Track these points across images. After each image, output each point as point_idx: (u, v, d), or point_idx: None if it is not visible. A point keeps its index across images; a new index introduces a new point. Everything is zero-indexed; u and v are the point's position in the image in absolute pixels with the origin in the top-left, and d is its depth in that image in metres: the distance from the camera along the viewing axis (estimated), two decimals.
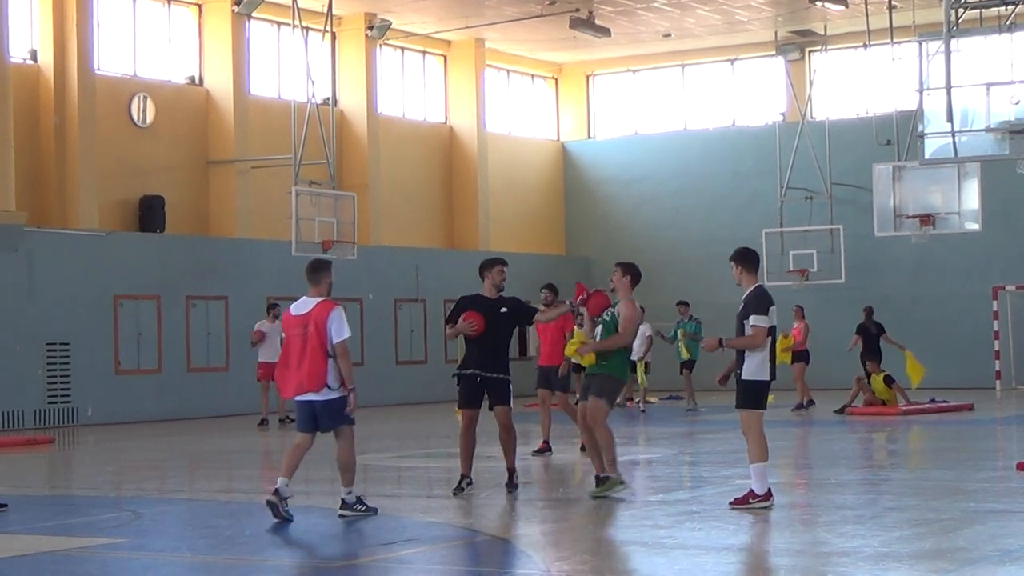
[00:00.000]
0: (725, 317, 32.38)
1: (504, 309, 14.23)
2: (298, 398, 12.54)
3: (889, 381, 26.47)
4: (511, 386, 14.12)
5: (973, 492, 14.05)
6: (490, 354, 14.10)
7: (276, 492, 12.34)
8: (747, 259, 12.98)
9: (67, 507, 14.88)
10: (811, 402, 28.02)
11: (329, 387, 12.36)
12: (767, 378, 12.68)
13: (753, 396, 12.74)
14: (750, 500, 12.60)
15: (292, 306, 12.68)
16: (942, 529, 11.46)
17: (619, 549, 11.06)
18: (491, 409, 14.14)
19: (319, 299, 12.54)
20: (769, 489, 12.64)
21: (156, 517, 13.68)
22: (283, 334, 12.92)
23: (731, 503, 12.71)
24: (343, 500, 12.72)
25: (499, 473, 17.35)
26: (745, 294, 12.81)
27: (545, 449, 19.13)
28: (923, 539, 11.00)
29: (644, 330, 30.65)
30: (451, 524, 12.31)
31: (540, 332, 19.59)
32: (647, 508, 13.16)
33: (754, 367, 12.65)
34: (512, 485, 14.38)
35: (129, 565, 10.60)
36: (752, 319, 12.58)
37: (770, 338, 12.63)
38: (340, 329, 12.35)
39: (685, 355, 29.78)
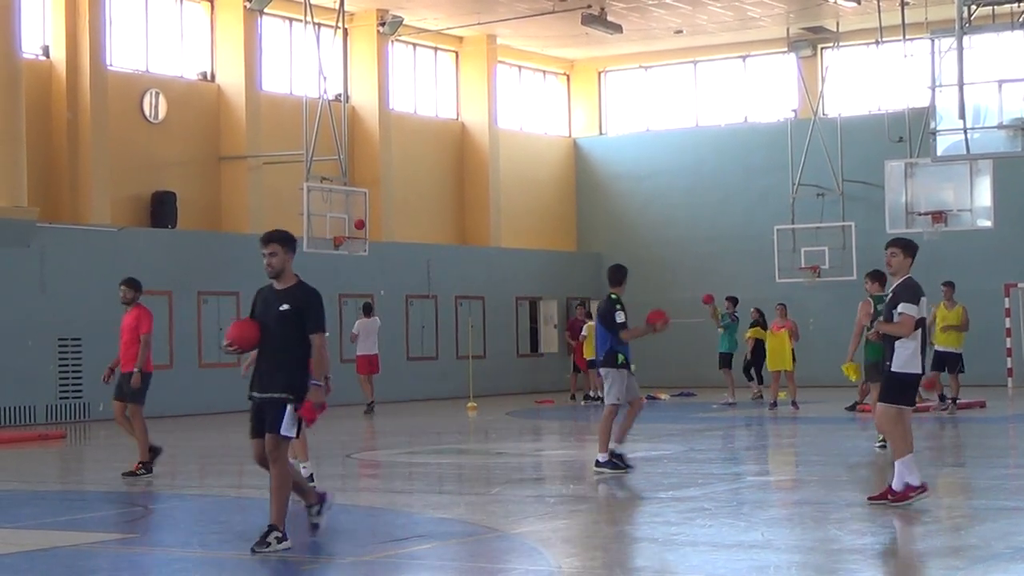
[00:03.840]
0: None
1: (284, 307, 10.80)
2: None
3: (958, 373, 26.38)
4: (292, 408, 10.67)
5: (985, 489, 14.04)
6: (268, 366, 10.88)
7: (311, 477, 14.20)
8: (909, 247, 12.72)
9: (78, 502, 14.92)
10: (774, 404, 28.00)
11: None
12: (918, 371, 12.45)
13: (899, 390, 12.46)
14: (910, 495, 12.28)
15: None
16: (953, 527, 11.44)
17: (630, 545, 11.06)
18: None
19: None
20: (924, 482, 12.36)
21: (167, 512, 13.72)
22: None
23: (891, 500, 12.32)
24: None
25: (510, 469, 17.37)
26: (895, 284, 12.60)
27: (140, 471, 16.38)
28: (934, 536, 10.98)
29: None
30: (462, 520, 12.32)
31: (122, 332, 16.57)
32: (658, 504, 13.17)
33: (905, 359, 12.39)
34: (263, 543, 10.52)
35: (140, 560, 10.62)
36: (901, 307, 12.35)
37: (919, 331, 12.39)
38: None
39: (724, 348, 30.17)
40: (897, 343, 12.41)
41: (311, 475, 14.84)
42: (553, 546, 10.84)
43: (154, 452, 16.64)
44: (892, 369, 12.45)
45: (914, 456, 12.47)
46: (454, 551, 11.01)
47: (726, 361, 30.31)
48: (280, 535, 10.57)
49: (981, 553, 10.21)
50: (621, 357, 15.82)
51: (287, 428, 10.61)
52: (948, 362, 25.34)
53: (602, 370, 15.97)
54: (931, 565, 9.79)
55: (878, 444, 18.11)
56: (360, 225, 30.46)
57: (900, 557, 10.06)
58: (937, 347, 25.00)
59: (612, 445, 15.84)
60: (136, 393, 16.45)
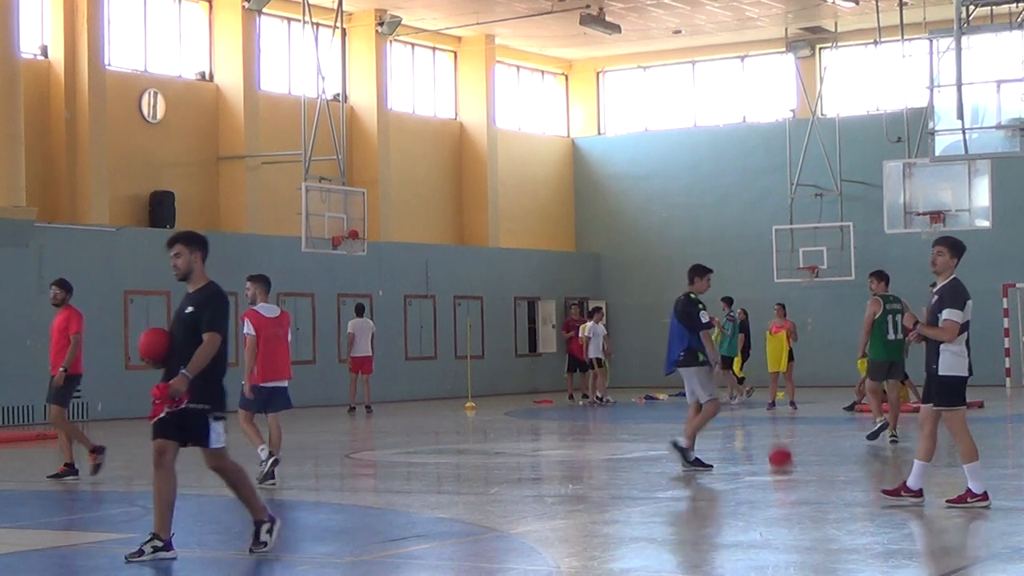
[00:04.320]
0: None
1: (189, 309, 10.45)
2: (271, 384, 15.29)
3: (903, 378, 26.38)
4: (214, 418, 10.37)
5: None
6: (175, 374, 10.30)
7: (271, 455, 15.04)
8: (956, 247, 12.48)
9: (77, 502, 14.91)
10: (772, 404, 28.02)
11: None
12: (964, 373, 12.24)
13: (951, 393, 12.26)
14: (968, 499, 12.15)
15: (260, 309, 15.40)
16: (952, 526, 11.44)
17: (628, 546, 11.05)
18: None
19: (277, 307, 15.79)
20: (986, 491, 12.21)
21: None
22: (251, 331, 15.29)
23: (947, 501, 12.29)
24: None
25: (508, 469, 17.37)
26: (940, 286, 12.40)
27: (67, 472, 16.37)
28: (933, 536, 10.98)
29: (599, 330, 30.98)
30: (460, 520, 12.31)
31: (52, 333, 16.67)
32: (656, 504, 13.16)
33: (949, 362, 12.19)
34: (258, 543, 10.49)
35: (138, 560, 10.61)
36: (946, 313, 12.16)
37: (966, 333, 12.22)
38: (289, 333, 15.55)
39: (723, 350, 30.52)
40: (941, 346, 12.24)
41: (274, 458, 15.16)
42: (551, 546, 10.83)
43: (69, 468, 16.39)
44: (939, 373, 12.28)
45: (979, 464, 12.31)
46: (452, 551, 11.01)
47: (726, 363, 30.37)
48: (269, 525, 10.51)
49: (979, 553, 10.21)
50: (701, 355, 15.90)
51: (216, 440, 10.31)
52: None
53: (683, 370, 15.98)
54: (929, 565, 9.79)
55: (891, 437, 19.26)
56: (354, 235, 30.33)
57: (898, 557, 10.06)
58: None
59: (680, 439, 15.98)
60: (58, 394, 16.23)
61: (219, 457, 10.41)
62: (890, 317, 19.05)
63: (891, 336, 19.12)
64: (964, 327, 12.27)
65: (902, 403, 26.33)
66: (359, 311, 30.02)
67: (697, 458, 15.87)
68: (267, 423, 15.33)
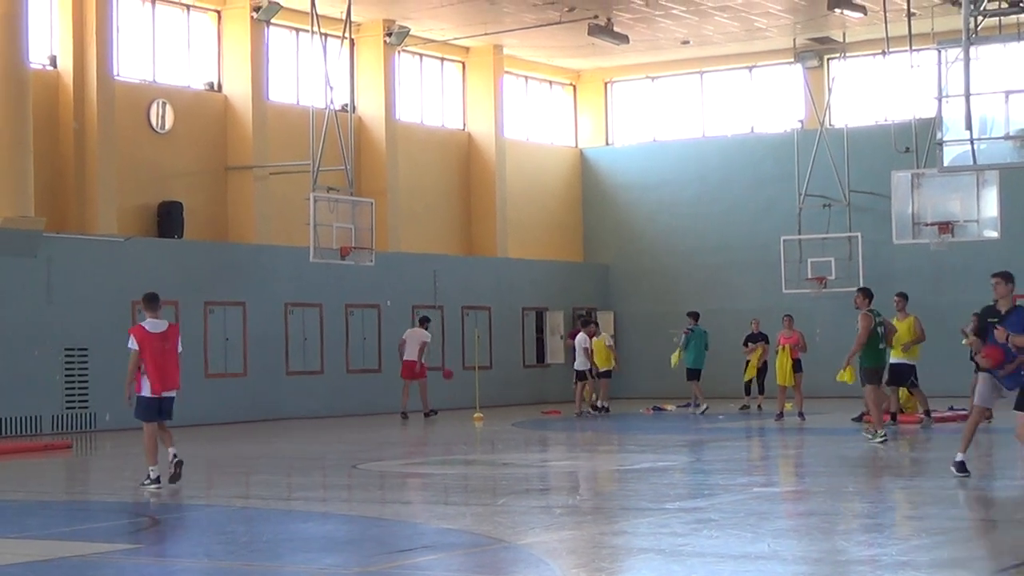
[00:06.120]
0: (740, 323, 32.59)
1: None
2: (166, 394, 16.30)
3: (912, 387, 26.32)
4: None
5: (992, 501, 14.00)
6: None
7: (158, 480, 15.87)
8: None
9: (85, 512, 14.91)
10: (780, 415, 27.97)
11: None
12: None
13: None
14: None
15: (146, 324, 16.33)
16: (961, 538, 11.41)
17: (636, 557, 11.03)
18: None
19: (166, 321, 16.67)
20: None
21: (173, 523, 13.70)
22: (134, 346, 16.21)
23: None
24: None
25: (516, 480, 17.34)
26: None
27: None
28: (942, 548, 10.95)
29: (582, 341, 31.05)
30: (468, 531, 12.30)
31: None
32: (664, 516, 13.14)
33: None
34: None
35: (146, 571, 10.61)
36: None
37: None
38: (179, 345, 16.63)
39: (678, 362, 31.33)
40: None
41: (178, 459, 16.24)
42: (559, 557, 10.82)
43: None
44: None
45: None
46: (460, 562, 10.99)
47: (693, 374, 31.00)
48: None
49: (989, 565, 10.17)
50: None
51: None
52: (901, 374, 24.77)
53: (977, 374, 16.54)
54: None
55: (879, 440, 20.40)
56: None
57: (907, 568, 10.03)
58: (891, 359, 23.62)
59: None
60: None
61: None
62: (879, 329, 21.45)
63: (882, 345, 21.59)
64: None
65: (904, 413, 26.34)
66: (422, 323, 31.58)
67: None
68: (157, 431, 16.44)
